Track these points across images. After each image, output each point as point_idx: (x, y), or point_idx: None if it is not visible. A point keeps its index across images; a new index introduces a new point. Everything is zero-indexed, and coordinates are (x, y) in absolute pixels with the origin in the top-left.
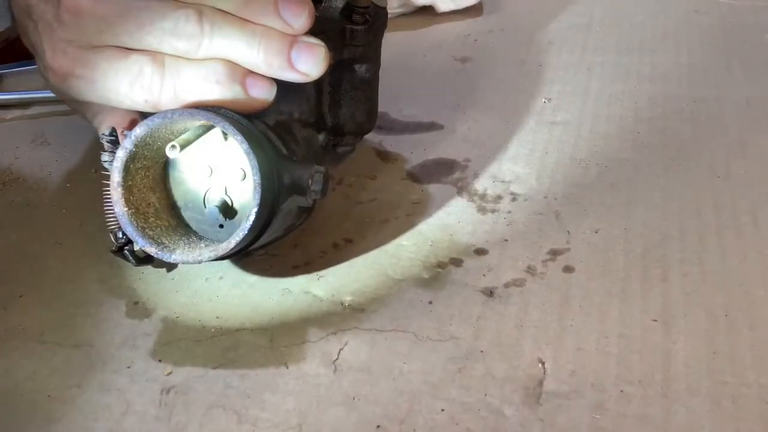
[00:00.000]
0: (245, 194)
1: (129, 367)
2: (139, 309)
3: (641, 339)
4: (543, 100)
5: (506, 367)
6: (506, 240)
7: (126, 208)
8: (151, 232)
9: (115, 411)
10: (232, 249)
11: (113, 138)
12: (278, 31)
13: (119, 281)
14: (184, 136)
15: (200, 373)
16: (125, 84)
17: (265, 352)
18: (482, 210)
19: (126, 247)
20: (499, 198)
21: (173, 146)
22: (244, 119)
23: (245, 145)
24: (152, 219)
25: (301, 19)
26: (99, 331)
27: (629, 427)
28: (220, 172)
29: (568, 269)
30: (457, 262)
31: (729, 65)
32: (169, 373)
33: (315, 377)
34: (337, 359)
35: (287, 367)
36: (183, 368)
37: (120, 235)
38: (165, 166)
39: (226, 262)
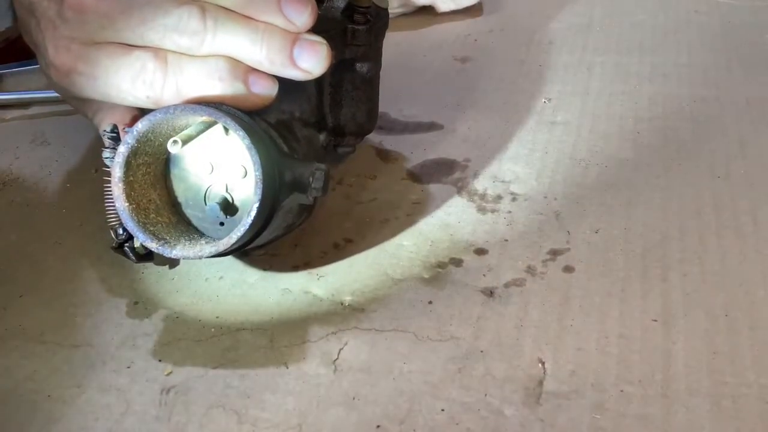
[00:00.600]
0: (246, 191)
1: (129, 367)
2: (139, 309)
3: (641, 339)
4: (543, 100)
5: (506, 367)
6: (506, 240)
7: (127, 204)
8: (152, 228)
9: (115, 411)
10: (233, 245)
11: (114, 135)
12: (281, 28)
13: (119, 281)
14: (186, 132)
15: (200, 373)
16: (127, 80)
17: (265, 352)
18: (482, 210)
19: (126, 244)
20: (499, 198)
21: (175, 141)
22: (246, 116)
23: (247, 141)
24: (153, 215)
25: (303, 17)
26: (99, 331)
27: (629, 427)
28: (221, 169)
29: (568, 269)
30: (457, 262)
31: (729, 65)
32: (169, 373)
33: (315, 377)
34: (337, 359)
35: (287, 367)
36: (183, 368)
37: (120, 231)
38: (166, 163)
39: (226, 262)
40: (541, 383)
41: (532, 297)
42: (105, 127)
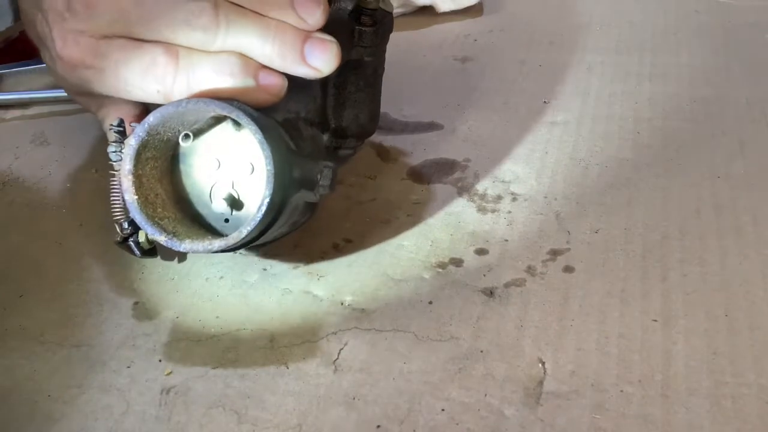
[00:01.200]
0: (252, 188)
1: (129, 367)
2: (139, 309)
3: (641, 339)
4: (543, 100)
5: (506, 367)
6: (506, 240)
7: (136, 196)
8: (160, 222)
9: (115, 411)
10: (243, 239)
11: (121, 129)
12: (292, 26)
13: (119, 281)
14: (196, 126)
15: (200, 373)
16: (137, 74)
17: (265, 352)
18: (482, 210)
19: (131, 238)
20: (499, 198)
21: (187, 135)
22: (256, 112)
23: (259, 135)
24: (160, 210)
25: (315, 15)
26: (99, 331)
27: (629, 427)
28: (228, 166)
29: (568, 269)
30: (457, 262)
31: (729, 65)
32: (169, 373)
33: (315, 377)
34: (337, 359)
35: (287, 367)
36: (183, 368)
37: (125, 225)
38: (172, 158)
39: (227, 262)
40: (541, 383)
41: (532, 297)
42: (111, 121)
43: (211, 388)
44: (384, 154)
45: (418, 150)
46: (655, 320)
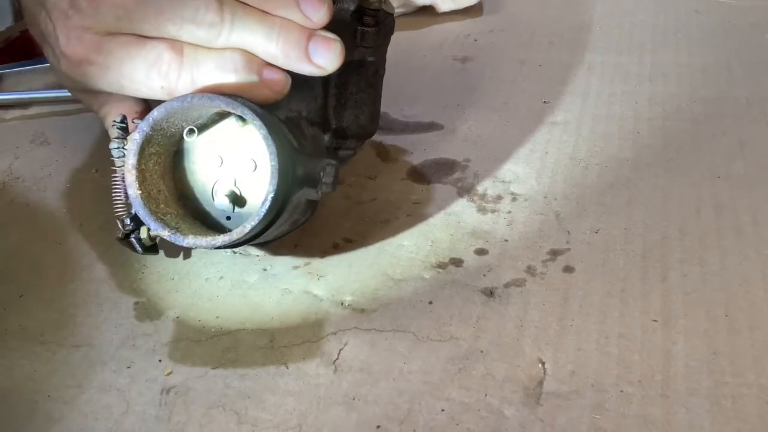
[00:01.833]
0: (255, 185)
1: (129, 367)
2: (139, 309)
3: (641, 339)
4: (543, 100)
5: (506, 367)
6: (506, 240)
7: (140, 191)
8: (162, 218)
9: (115, 411)
10: (246, 234)
11: (123, 125)
12: (297, 24)
13: (119, 281)
14: (200, 122)
15: (200, 373)
16: (142, 70)
17: (265, 352)
18: (482, 210)
19: (132, 235)
20: (499, 198)
21: (191, 130)
22: (260, 108)
23: (264, 131)
24: (162, 206)
25: (320, 13)
26: (99, 331)
27: (629, 427)
28: (230, 163)
29: (568, 269)
30: (457, 262)
31: (729, 65)
32: (169, 373)
33: (315, 377)
34: (337, 359)
35: (287, 367)
36: (183, 368)
37: (127, 221)
38: (175, 155)
39: (226, 262)
40: (541, 383)
41: (532, 297)
42: (114, 117)
43: (211, 388)
44: (384, 154)
45: (418, 150)
46: (655, 320)
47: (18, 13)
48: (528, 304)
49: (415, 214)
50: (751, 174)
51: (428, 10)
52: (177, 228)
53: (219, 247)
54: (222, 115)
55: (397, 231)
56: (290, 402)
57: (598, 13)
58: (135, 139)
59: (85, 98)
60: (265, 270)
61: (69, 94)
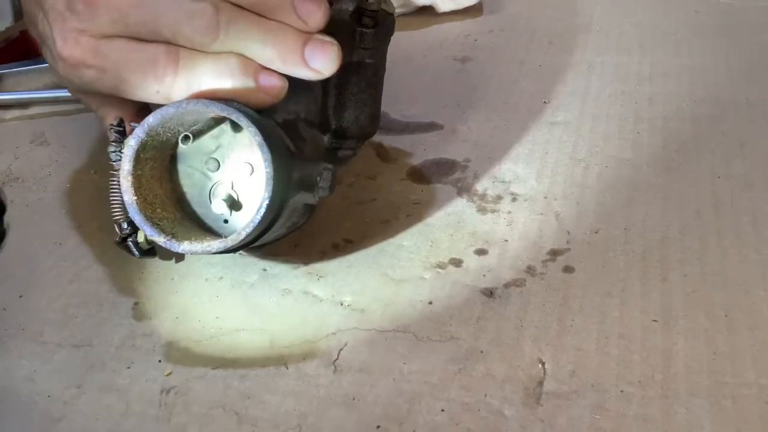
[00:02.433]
0: (251, 189)
1: (129, 367)
2: (139, 309)
3: (641, 339)
4: (543, 100)
5: (506, 367)
6: (506, 240)
7: (135, 197)
8: (159, 223)
9: (115, 411)
10: (242, 240)
11: (121, 129)
12: (293, 28)
13: (119, 281)
14: (196, 127)
15: (200, 374)
16: (137, 74)
17: (264, 352)
18: (482, 210)
19: (130, 239)
20: (499, 198)
21: (187, 136)
22: (256, 113)
23: (258, 138)
24: (159, 210)
25: (316, 17)
26: (99, 331)
27: (629, 427)
28: (227, 167)
29: (568, 269)
30: (457, 262)
31: (729, 65)
32: (169, 374)
33: (315, 377)
34: (337, 359)
35: (287, 367)
36: (183, 368)
37: (125, 225)
38: (171, 159)
39: (226, 263)
40: (541, 383)
41: (532, 297)
42: (111, 120)
43: (211, 389)
44: (384, 154)
45: (418, 150)
46: (655, 320)
47: (18, 13)
48: (528, 305)
49: (415, 215)
50: (751, 174)
51: (428, 10)
52: (173, 233)
53: (215, 253)
54: (218, 119)
55: (397, 231)
56: (290, 402)
57: (598, 13)
58: (130, 145)
59: (84, 98)
60: (265, 270)
61: (69, 94)
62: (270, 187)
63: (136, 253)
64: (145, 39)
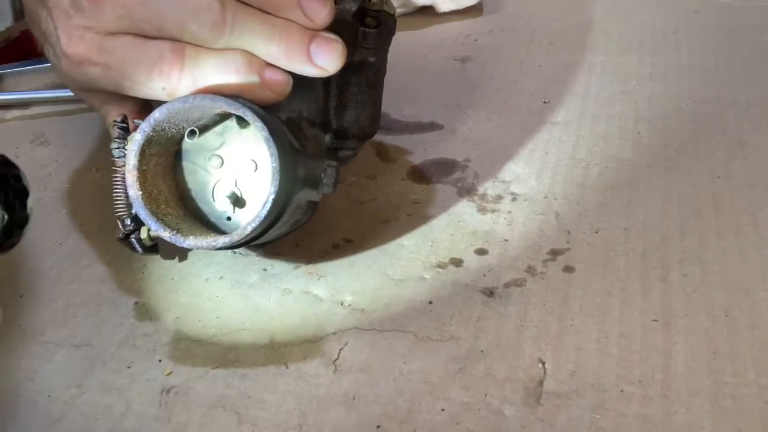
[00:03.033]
0: (255, 186)
1: (129, 367)
2: (139, 309)
3: (641, 339)
4: (543, 100)
5: (506, 367)
6: (506, 240)
7: (141, 192)
8: (163, 218)
9: (115, 411)
10: (247, 235)
11: (124, 125)
12: (299, 25)
13: (119, 281)
14: (201, 123)
15: (200, 373)
16: (143, 71)
17: (265, 352)
18: (482, 210)
19: (133, 235)
20: (499, 198)
21: (193, 131)
22: (262, 109)
23: (265, 132)
24: (163, 206)
25: (322, 14)
26: (99, 331)
27: (629, 427)
28: (231, 164)
29: (568, 269)
30: (457, 262)
31: (729, 65)
32: (169, 373)
33: (315, 377)
34: (337, 359)
35: (287, 367)
36: (183, 368)
37: (128, 222)
38: (175, 155)
39: (227, 262)
40: (541, 383)
41: (532, 297)
42: (114, 117)
43: (211, 388)
44: (384, 154)
45: (418, 150)
46: (655, 320)
47: (18, 13)
48: (528, 304)
49: (415, 214)
50: (751, 174)
51: (428, 10)
52: (177, 229)
53: (219, 249)
54: (223, 116)
55: (397, 231)
56: (290, 402)
57: (598, 13)
58: (136, 139)
59: (87, 96)
60: (265, 270)
61: (69, 94)
62: (276, 182)
63: (139, 249)
64: (150, 36)
